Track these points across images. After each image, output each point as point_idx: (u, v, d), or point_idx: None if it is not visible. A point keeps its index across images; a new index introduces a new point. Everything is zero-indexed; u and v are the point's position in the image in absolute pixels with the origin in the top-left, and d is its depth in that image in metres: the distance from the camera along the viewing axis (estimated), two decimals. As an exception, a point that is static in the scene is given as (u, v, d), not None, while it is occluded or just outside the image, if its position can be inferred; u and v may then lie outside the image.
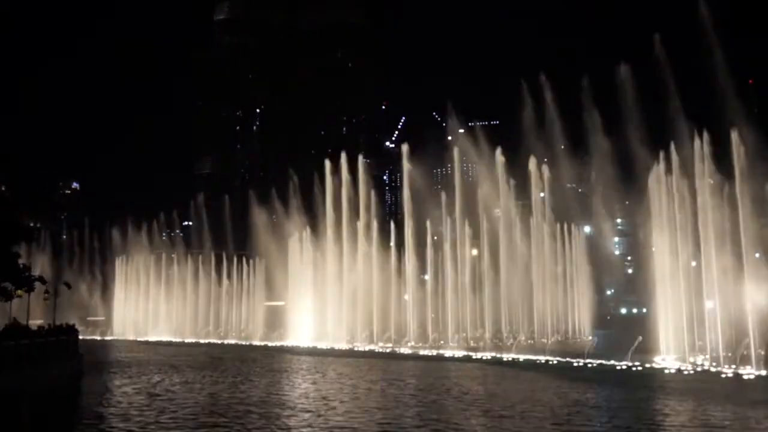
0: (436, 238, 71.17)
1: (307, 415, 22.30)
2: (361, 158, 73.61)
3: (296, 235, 76.01)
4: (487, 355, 48.65)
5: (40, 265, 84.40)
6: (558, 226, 65.96)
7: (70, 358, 42.67)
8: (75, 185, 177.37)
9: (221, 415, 22.14)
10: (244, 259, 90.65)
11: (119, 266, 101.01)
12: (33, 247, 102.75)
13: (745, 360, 35.09)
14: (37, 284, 50.56)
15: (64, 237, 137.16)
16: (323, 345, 63.38)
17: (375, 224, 70.05)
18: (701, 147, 42.85)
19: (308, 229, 75.13)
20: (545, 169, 65.12)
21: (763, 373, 32.55)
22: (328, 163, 74.31)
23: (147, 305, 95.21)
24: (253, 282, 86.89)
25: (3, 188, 58.73)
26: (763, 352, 35.37)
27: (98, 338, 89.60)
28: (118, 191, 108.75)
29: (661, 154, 45.04)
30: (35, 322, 62.84)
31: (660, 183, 45.31)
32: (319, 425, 20.35)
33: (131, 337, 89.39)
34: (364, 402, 25.89)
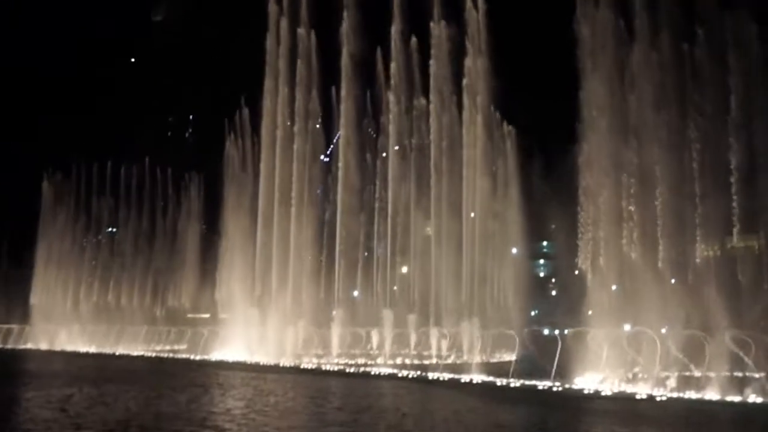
0: (367, 254, 71.19)
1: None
2: (295, 169, 72.67)
3: (225, 246, 74.54)
4: (413, 373, 48.53)
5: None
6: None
7: (-24, 367, 40.42)
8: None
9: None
10: (169, 269, 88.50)
11: (37, 271, 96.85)
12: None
13: (660, 382, 36.19)
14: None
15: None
16: (249, 359, 62.01)
17: (307, 235, 69.45)
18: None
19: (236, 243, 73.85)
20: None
21: (674, 395, 33.60)
22: (262, 173, 73.08)
23: (64, 313, 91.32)
24: (177, 293, 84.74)
25: None
26: (676, 374, 36.62)
27: (10, 347, 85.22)
28: (38, 193, 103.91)
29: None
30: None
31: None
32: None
33: (45, 347, 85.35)
34: (285, 420, 25.30)
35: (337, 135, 76.85)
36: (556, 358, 43.22)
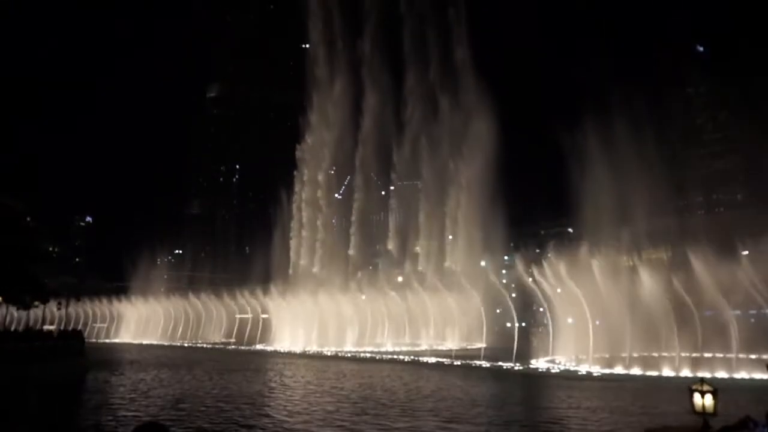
0: (371, 267, 71.03)
1: (248, 406, 21.26)
2: (324, 206, 73.28)
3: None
4: (407, 357, 48.04)
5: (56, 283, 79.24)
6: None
7: (76, 356, 39.65)
8: (89, 219, 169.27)
9: (182, 405, 20.92)
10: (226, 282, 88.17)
11: (131, 285, 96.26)
12: (51, 267, 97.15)
13: (597, 361, 35.93)
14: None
15: (77, 260, 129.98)
16: (281, 349, 61.45)
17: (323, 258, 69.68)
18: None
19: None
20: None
21: (607, 370, 33.37)
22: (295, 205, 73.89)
23: (144, 313, 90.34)
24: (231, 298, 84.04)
25: (28, 219, 55.33)
26: (607, 356, 36.35)
27: (101, 341, 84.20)
28: (122, 224, 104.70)
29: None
30: (49, 327, 58.74)
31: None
32: (273, 411, 19.45)
33: (128, 340, 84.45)
34: (301, 394, 25.00)
35: (348, 177, 77.69)
36: (517, 346, 42.83)
